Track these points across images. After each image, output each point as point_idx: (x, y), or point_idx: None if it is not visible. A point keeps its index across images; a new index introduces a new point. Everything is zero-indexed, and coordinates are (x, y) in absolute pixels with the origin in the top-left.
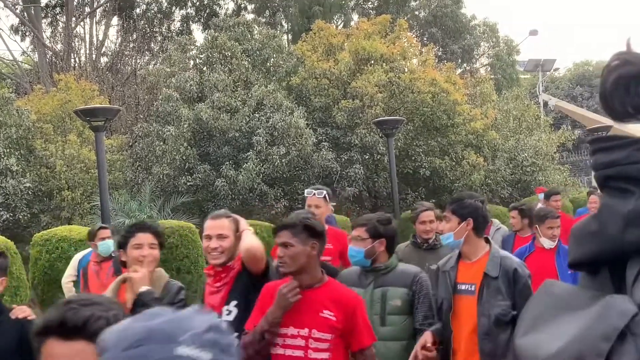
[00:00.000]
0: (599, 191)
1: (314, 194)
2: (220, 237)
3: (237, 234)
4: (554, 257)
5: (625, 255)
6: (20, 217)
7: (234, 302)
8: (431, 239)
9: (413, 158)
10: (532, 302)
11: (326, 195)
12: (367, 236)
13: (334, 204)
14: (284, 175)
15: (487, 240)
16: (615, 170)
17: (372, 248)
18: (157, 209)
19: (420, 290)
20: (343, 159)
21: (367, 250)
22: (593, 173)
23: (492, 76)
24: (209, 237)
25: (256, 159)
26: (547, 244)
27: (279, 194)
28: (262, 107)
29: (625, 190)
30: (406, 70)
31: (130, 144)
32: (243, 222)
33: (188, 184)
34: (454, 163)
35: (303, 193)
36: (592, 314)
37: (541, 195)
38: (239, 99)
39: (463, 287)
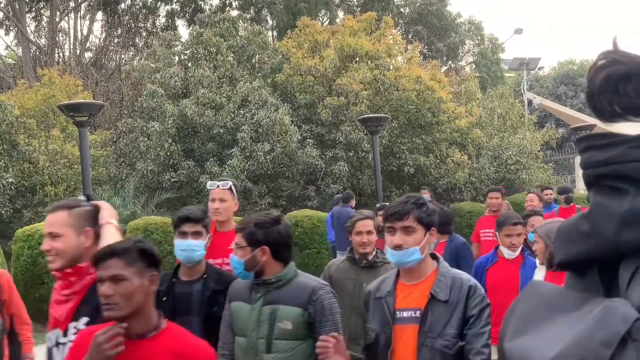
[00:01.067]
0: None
1: (218, 186)
2: (52, 235)
3: (94, 228)
4: (517, 269)
5: (619, 256)
6: (3, 212)
7: (84, 319)
8: (370, 254)
9: (397, 156)
10: (519, 303)
11: (232, 187)
12: (244, 244)
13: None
14: (269, 172)
15: (434, 256)
16: (609, 168)
17: (253, 258)
18: (140, 205)
19: (321, 312)
20: (327, 156)
21: (247, 260)
22: (582, 172)
23: (477, 74)
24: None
25: (241, 155)
26: (507, 253)
27: (263, 191)
28: (247, 103)
29: (619, 190)
30: (391, 67)
31: (114, 139)
32: (106, 213)
33: (172, 180)
34: (438, 161)
35: (287, 190)
36: (591, 318)
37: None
38: (223, 95)
39: (405, 314)
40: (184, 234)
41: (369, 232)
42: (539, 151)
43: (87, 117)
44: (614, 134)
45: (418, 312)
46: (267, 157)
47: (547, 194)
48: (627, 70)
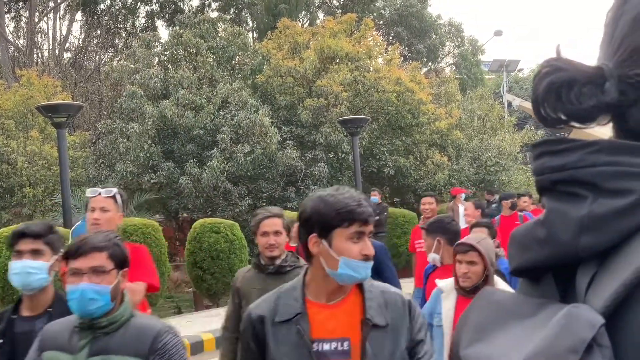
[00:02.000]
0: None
1: (100, 193)
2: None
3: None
4: None
5: (576, 262)
6: None
7: None
8: (278, 258)
9: (377, 157)
10: (472, 310)
11: (117, 196)
12: (111, 266)
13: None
14: (249, 174)
15: None
16: (566, 174)
17: (117, 285)
18: None
19: None
20: (307, 158)
21: (113, 288)
22: (535, 178)
23: (457, 76)
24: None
25: (220, 157)
26: (437, 259)
27: (243, 192)
28: (227, 105)
29: (576, 195)
30: (371, 69)
31: (94, 140)
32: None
33: (152, 181)
34: (418, 162)
35: (267, 191)
36: (555, 324)
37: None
38: (203, 96)
39: (327, 346)
40: (19, 254)
41: (276, 233)
42: (518, 153)
43: (65, 118)
44: (570, 140)
45: (346, 344)
46: (247, 159)
47: (524, 201)
48: (569, 77)
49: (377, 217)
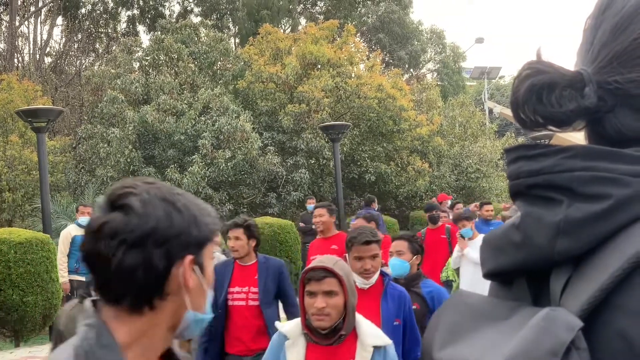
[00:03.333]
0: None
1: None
2: None
3: None
4: (378, 302)
5: (551, 266)
6: None
7: None
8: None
9: (359, 163)
10: (444, 312)
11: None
12: None
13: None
14: (230, 179)
15: None
16: (542, 178)
17: None
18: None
19: None
20: (289, 164)
21: None
22: (509, 182)
23: (438, 83)
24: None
25: (201, 162)
26: (360, 282)
27: (224, 198)
28: (208, 110)
29: (551, 199)
30: (353, 75)
31: (74, 145)
32: None
33: None
34: (399, 169)
35: (248, 197)
36: (534, 327)
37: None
38: (185, 101)
39: None
40: None
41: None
42: (499, 159)
43: (45, 123)
44: (546, 145)
45: None
46: (228, 164)
47: (487, 210)
48: (550, 79)
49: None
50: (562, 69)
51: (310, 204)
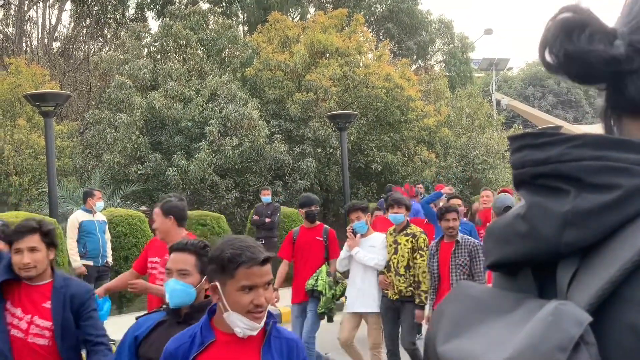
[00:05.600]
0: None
1: None
2: None
3: None
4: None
5: (557, 257)
6: None
7: None
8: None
9: (365, 153)
10: (448, 304)
11: None
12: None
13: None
14: (236, 167)
15: None
16: (548, 168)
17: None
18: (106, 197)
19: None
20: (295, 152)
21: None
22: (513, 171)
23: (446, 73)
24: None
25: (208, 149)
26: (243, 326)
27: (230, 185)
28: (216, 97)
29: (558, 189)
30: (361, 64)
31: (81, 130)
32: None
33: (139, 172)
34: (406, 159)
35: (254, 185)
36: (541, 321)
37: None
38: (192, 88)
39: None
40: None
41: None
42: (506, 151)
43: (53, 107)
44: (551, 133)
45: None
46: (235, 152)
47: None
48: (583, 20)
49: (268, 219)
50: (597, 17)
51: (266, 196)
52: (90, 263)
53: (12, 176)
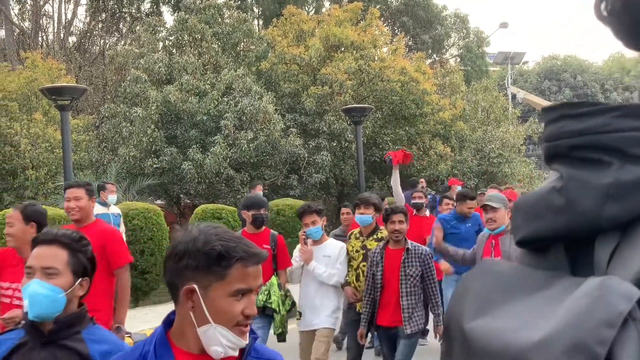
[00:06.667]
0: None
1: None
2: None
3: None
4: None
5: (595, 232)
6: None
7: None
8: None
9: (381, 146)
10: (473, 281)
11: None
12: None
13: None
14: (251, 160)
15: None
16: (588, 139)
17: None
18: (122, 190)
19: None
20: (311, 146)
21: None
22: (547, 143)
23: (461, 67)
24: None
25: (224, 143)
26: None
27: (245, 179)
28: (231, 91)
29: (598, 162)
30: (376, 58)
31: (97, 124)
32: None
33: (154, 166)
34: (421, 152)
35: (270, 179)
36: (585, 296)
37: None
38: (207, 82)
39: None
40: None
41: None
42: (521, 145)
43: (69, 101)
44: (593, 103)
45: None
46: (250, 145)
47: (447, 204)
48: None
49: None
50: None
51: (259, 191)
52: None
53: (29, 170)
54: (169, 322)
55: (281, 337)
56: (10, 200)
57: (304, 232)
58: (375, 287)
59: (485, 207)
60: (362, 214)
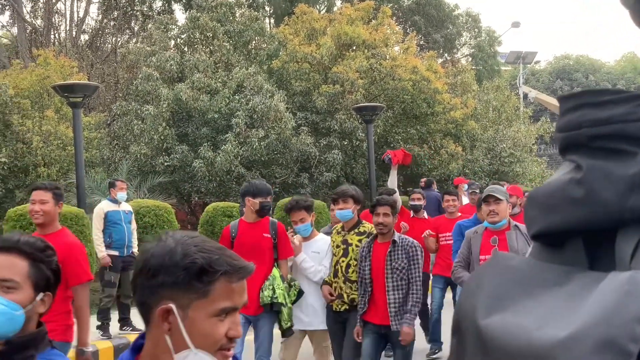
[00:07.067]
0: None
1: None
2: None
3: None
4: None
5: (617, 225)
6: None
7: None
8: None
9: (392, 145)
10: (485, 273)
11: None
12: None
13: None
14: (262, 159)
15: None
16: (611, 128)
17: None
18: (133, 188)
19: None
20: (322, 144)
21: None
22: (565, 133)
23: (473, 67)
24: None
25: (235, 141)
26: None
27: (256, 177)
28: (243, 89)
29: (621, 152)
30: (388, 57)
31: (109, 122)
32: None
33: (165, 164)
34: (432, 152)
35: (281, 177)
36: (614, 292)
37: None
38: (219, 80)
39: None
40: None
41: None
42: (533, 144)
43: (81, 98)
44: (615, 91)
45: None
46: (261, 144)
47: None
48: None
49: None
50: None
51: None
52: (116, 253)
53: (41, 167)
54: (136, 347)
55: (288, 332)
56: (21, 197)
57: (293, 229)
58: (365, 285)
59: (487, 199)
60: (341, 209)
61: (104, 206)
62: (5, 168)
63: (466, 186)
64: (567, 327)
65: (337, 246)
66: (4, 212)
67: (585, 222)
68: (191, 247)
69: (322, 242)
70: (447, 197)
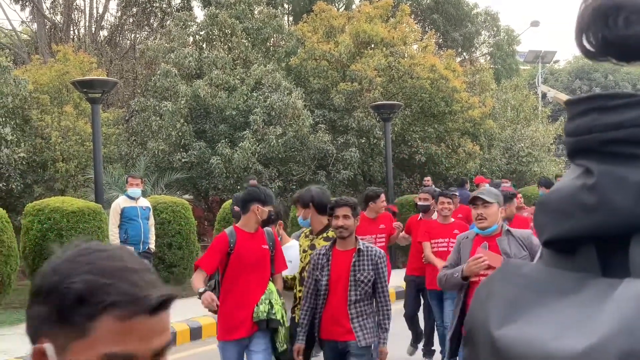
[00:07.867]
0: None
1: None
2: None
3: None
4: None
5: (631, 231)
6: (14, 187)
7: None
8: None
9: (409, 144)
10: (496, 282)
11: None
12: None
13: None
14: (280, 156)
15: None
16: (624, 132)
17: None
18: (151, 184)
19: None
20: (339, 142)
21: None
22: (576, 137)
23: (491, 66)
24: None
25: (252, 138)
26: None
27: (273, 174)
28: (261, 86)
29: (633, 156)
30: (406, 55)
31: (127, 118)
32: None
33: (183, 160)
34: (450, 150)
35: (298, 174)
36: (634, 299)
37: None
38: (237, 77)
39: None
40: None
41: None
42: (551, 144)
43: (100, 94)
44: (629, 94)
45: None
46: (279, 141)
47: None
48: (617, 3)
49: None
50: None
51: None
52: (132, 249)
53: (59, 162)
54: None
55: (285, 356)
56: (40, 192)
57: (282, 224)
58: (317, 295)
59: (475, 201)
60: (301, 215)
61: (121, 202)
62: (24, 163)
63: (487, 186)
64: (585, 337)
65: (304, 251)
66: (22, 206)
67: (598, 228)
68: (82, 265)
69: (293, 249)
70: (442, 199)
